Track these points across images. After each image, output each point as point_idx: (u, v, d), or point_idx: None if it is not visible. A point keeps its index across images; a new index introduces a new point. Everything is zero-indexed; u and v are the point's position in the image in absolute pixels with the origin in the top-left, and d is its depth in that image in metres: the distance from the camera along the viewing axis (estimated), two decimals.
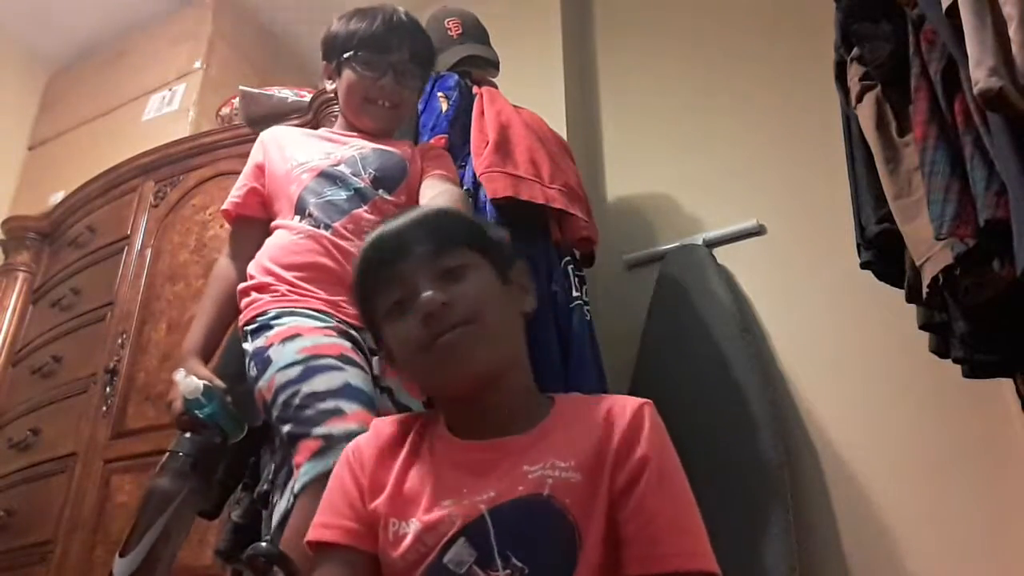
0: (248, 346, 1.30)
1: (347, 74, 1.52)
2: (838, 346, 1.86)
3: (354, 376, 1.18)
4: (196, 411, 1.29)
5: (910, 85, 1.34)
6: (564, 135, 2.13)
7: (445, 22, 1.99)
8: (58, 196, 2.64)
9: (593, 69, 2.56)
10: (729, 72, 2.27)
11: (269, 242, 1.42)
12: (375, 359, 1.29)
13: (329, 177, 1.43)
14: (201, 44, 2.78)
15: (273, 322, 1.28)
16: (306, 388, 1.17)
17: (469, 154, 1.78)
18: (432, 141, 1.76)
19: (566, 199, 1.77)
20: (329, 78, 1.57)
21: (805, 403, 1.85)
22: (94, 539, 1.88)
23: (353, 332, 1.27)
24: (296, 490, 1.11)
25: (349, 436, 1.06)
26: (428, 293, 0.86)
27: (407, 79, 1.53)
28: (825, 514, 1.73)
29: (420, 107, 1.82)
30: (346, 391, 1.15)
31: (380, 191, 1.43)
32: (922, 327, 1.46)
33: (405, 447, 0.91)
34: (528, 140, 1.82)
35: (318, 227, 1.37)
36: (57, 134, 2.96)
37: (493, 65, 2.02)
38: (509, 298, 0.93)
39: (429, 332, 0.85)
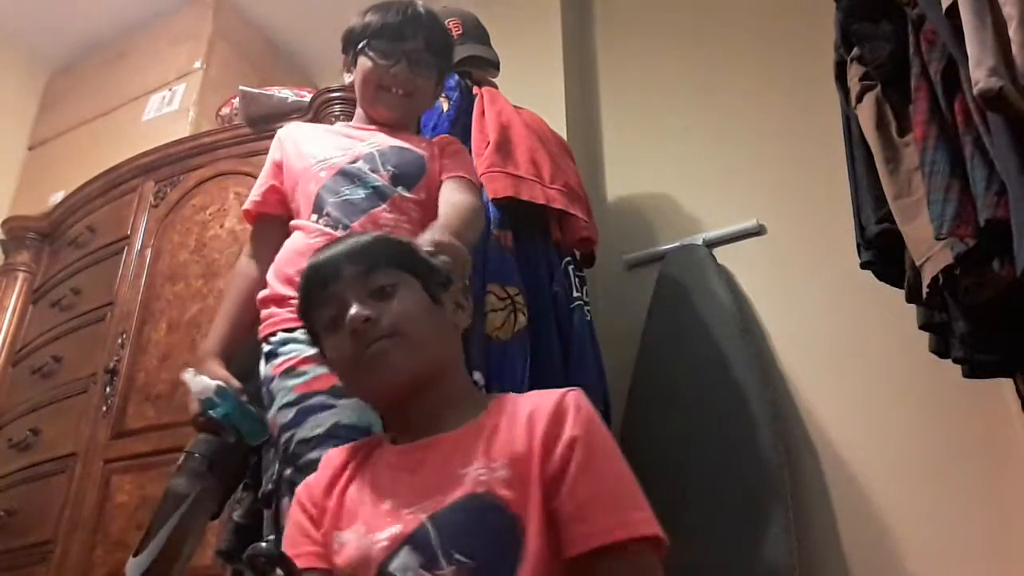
0: (261, 368, 1.32)
1: (362, 62, 1.52)
2: (838, 346, 1.86)
3: (344, 411, 1.20)
4: (211, 411, 1.29)
5: (910, 85, 1.34)
6: (564, 135, 2.13)
7: (445, 22, 1.99)
8: (58, 196, 2.63)
9: (593, 69, 2.56)
10: (729, 72, 2.28)
11: (286, 245, 1.42)
12: None
13: (347, 175, 1.43)
14: (201, 44, 2.78)
15: (280, 349, 1.30)
16: (299, 434, 1.20)
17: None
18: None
19: (566, 199, 1.77)
20: (348, 71, 1.56)
21: (805, 403, 1.85)
22: (94, 539, 1.88)
23: None
24: None
25: None
26: (355, 310, 0.94)
27: (421, 68, 1.52)
28: (825, 514, 1.73)
29: None
30: (333, 434, 1.18)
31: (399, 188, 1.42)
32: (922, 327, 1.46)
33: (349, 470, 0.97)
34: (528, 140, 1.82)
35: (336, 228, 1.37)
36: (57, 134, 2.96)
37: (493, 65, 2.02)
38: (438, 314, 0.99)
39: (357, 345, 0.93)
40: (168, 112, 2.66)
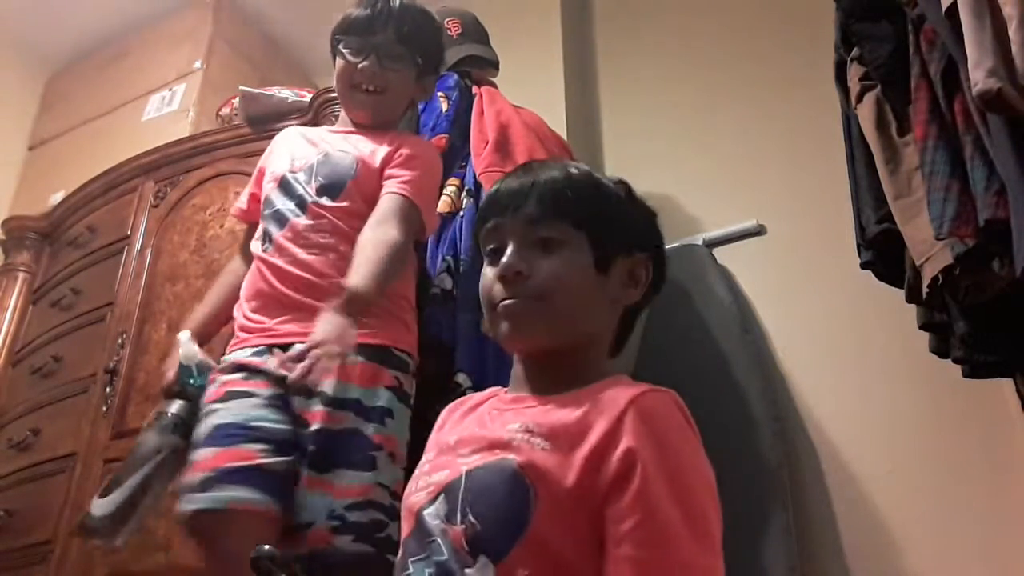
0: None
1: (337, 62, 1.51)
2: (838, 346, 1.86)
3: (225, 414, 1.25)
4: (188, 380, 1.35)
5: (910, 85, 1.34)
6: (564, 135, 2.13)
7: (445, 22, 1.99)
8: (58, 196, 2.63)
9: (593, 69, 2.56)
10: (729, 72, 2.27)
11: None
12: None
13: (284, 186, 1.45)
14: (201, 44, 2.77)
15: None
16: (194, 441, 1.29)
17: (469, 154, 1.78)
18: (433, 141, 1.76)
19: None
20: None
21: (805, 403, 1.84)
22: None
23: (268, 359, 1.31)
24: None
25: (190, 487, 1.19)
26: (509, 258, 0.90)
27: (392, 61, 1.47)
28: (825, 514, 1.73)
29: (420, 107, 1.81)
30: (208, 436, 1.25)
31: (323, 198, 1.41)
32: (922, 327, 1.46)
33: (459, 412, 0.97)
34: (528, 140, 1.82)
35: (264, 241, 1.42)
36: (57, 134, 2.96)
37: (493, 65, 2.02)
38: (598, 285, 0.92)
39: (500, 291, 0.90)
40: (168, 112, 2.66)
